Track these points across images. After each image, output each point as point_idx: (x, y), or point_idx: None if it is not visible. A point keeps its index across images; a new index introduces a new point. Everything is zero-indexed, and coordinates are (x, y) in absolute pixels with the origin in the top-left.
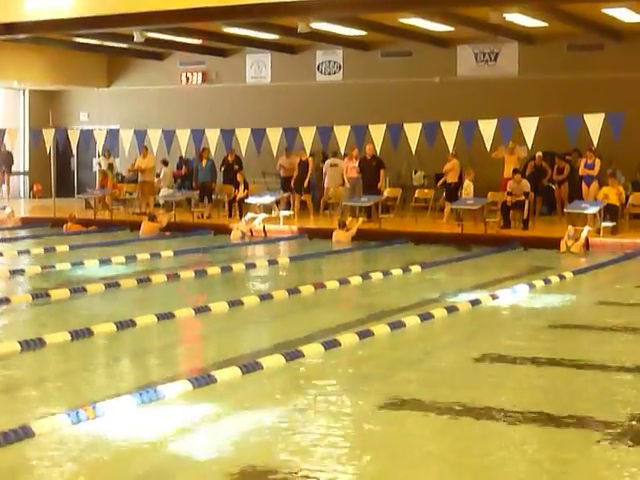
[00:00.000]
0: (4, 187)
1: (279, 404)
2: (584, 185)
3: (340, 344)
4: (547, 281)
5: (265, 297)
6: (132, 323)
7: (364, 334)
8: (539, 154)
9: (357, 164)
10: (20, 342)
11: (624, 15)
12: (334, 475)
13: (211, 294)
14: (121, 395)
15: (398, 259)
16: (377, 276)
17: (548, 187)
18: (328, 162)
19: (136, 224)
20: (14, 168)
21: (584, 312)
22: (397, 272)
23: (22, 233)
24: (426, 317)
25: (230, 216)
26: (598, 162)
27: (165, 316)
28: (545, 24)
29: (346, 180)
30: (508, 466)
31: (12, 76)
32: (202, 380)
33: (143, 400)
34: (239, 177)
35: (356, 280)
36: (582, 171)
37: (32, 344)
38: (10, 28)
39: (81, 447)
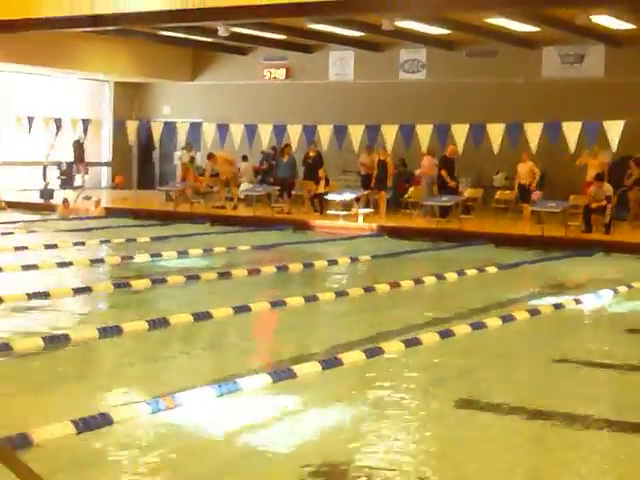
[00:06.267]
0: (80, 177)
1: (357, 401)
2: None
3: (421, 343)
4: (630, 287)
5: (341, 294)
6: (209, 315)
7: (445, 334)
8: None
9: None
10: (98, 329)
11: None
12: (406, 474)
13: (288, 289)
14: (200, 386)
15: (477, 260)
16: (453, 276)
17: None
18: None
19: (217, 217)
20: (97, 159)
21: None
22: (472, 272)
23: (106, 223)
24: (508, 319)
25: (315, 211)
26: None
27: (242, 309)
28: (633, 26)
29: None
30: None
31: (98, 68)
32: (282, 374)
33: (222, 392)
34: (321, 172)
35: (432, 280)
36: None
37: (110, 331)
38: (97, 20)
39: (159, 437)
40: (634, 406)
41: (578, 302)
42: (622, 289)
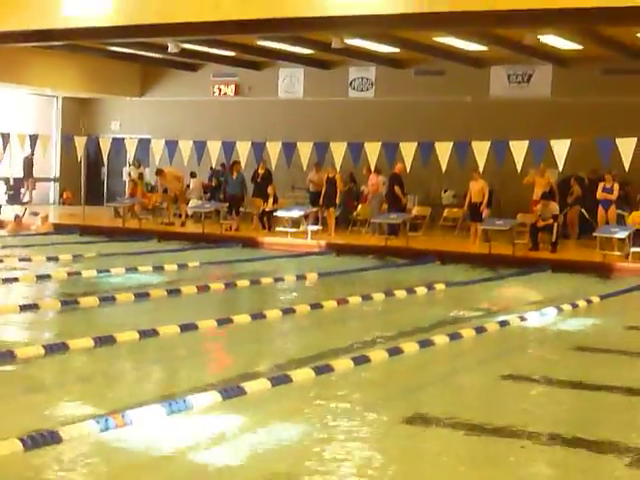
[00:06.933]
0: (27, 193)
1: (306, 419)
2: (601, 209)
3: (370, 360)
4: (574, 305)
5: (288, 311)
6: (155, 332)
7: (394, 351)
8: None
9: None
10: (44, 346)
11: None
12: None
13: (236, 306)
14: (149, 404)
15: (425, 278)
16: (401, 294)
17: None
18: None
19: (165, 234)
20: (44, 174)
21: (611, 336)
22: (422, 290)
23: (53, 239)
24: (455, 337)
25: (264, 228)
26: (617, 186)
27: (189, 327)
28: (580, 47)
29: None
30: None
31: (46, 83)
32: (231, 392)
33: (172, 410)
34: (270, 190)
35: (380, 297)
36: (600, 195)
37: (56, 348)
38: (45, 35)
39: (108, 455)
40: (580, 422)
41: (524, 320)
42: (567, 307)
